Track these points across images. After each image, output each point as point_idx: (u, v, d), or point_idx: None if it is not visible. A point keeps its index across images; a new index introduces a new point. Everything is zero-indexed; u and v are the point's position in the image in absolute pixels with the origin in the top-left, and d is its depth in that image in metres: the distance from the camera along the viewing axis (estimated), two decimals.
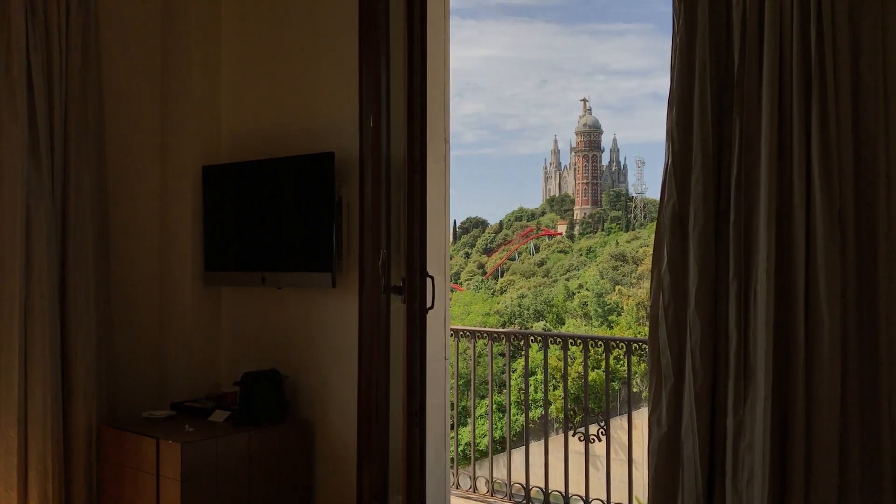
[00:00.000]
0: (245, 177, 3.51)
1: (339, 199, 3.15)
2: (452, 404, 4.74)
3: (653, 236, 2.28)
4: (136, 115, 3.67)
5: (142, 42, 3.70)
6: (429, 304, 2.47)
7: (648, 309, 2.42)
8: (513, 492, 4.05)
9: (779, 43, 2.03)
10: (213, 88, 3.72)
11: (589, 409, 4.33)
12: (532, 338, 4.44)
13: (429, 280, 2.47)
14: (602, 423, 4.08)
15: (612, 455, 4.02)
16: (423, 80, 2.54)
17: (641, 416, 3.20)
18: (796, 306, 2.06)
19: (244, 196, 3.51)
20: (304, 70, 3.42)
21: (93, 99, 3.27)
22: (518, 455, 4.69)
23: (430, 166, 3.18)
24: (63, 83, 3.18)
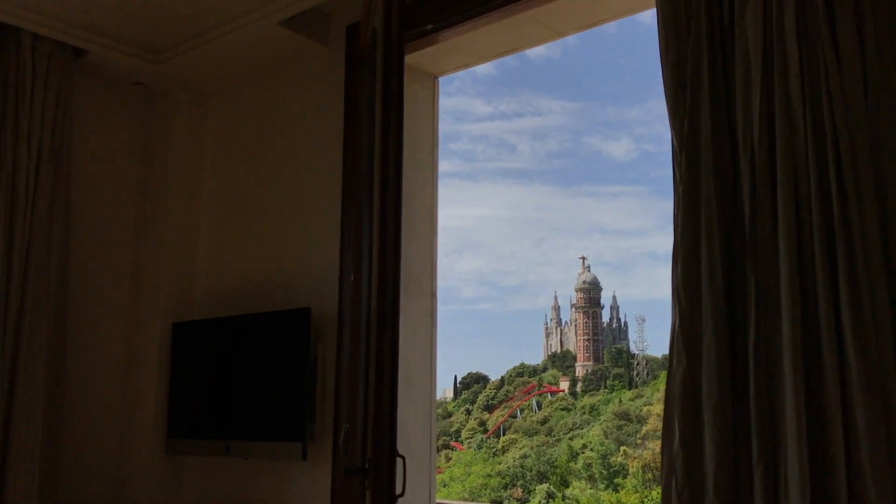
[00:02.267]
0: (216, 334, 3.25)
1: (315, 358, 2.88)
2: None
3: (656, 394, 2.00)
4: (105, 266, 3.48)
5: (117, 193, 3.57)
6: (398, 489, 2.09)
7: (661, 489, 2.08)
8: None
9: (794, 190, 1.81)
10: (190, 240, 3.55)
11: None
12: None
13: (399, 461, 2.11)
14: None
15: None
16: (397, 233, 2.34)
17: None
18: (838, 497, 1.73)
19: (214, 355, 3.24)
20: (284, 224, 3.25)
21: (57, 246, 3.07)
22: None
23: (417, 321, 2.95)
24: (27, 226, 2.99)
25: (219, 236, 3.52)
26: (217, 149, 3.64)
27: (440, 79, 3.31)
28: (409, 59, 3.09)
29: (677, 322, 1.98)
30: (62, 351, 3.09)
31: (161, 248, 3.50)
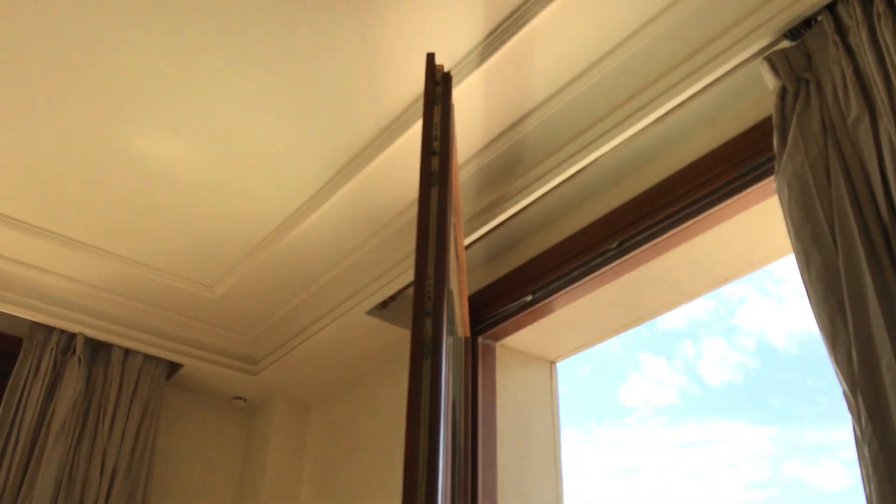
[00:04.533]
0: None
1: None
2: None
3: None
4: None
5: None
6: None
7: None
8: None
9: None
10: None
11: None
12: None
13: None
14: None
15: None
16: None
17: None
18: None
19: None
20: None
21: None
22: None
23: None
24: None
25: None
26: (314, 459, 3.23)
27: (558, 364, 2.83)
28: (517, 342, 2.69)
29: None
30: None
31: None
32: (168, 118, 2.14)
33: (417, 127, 2.10)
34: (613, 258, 2.24)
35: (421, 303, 1.38)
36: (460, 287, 2.26)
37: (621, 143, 2.05)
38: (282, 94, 2.07)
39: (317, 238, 2.55)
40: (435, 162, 1.54)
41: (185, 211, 2.49)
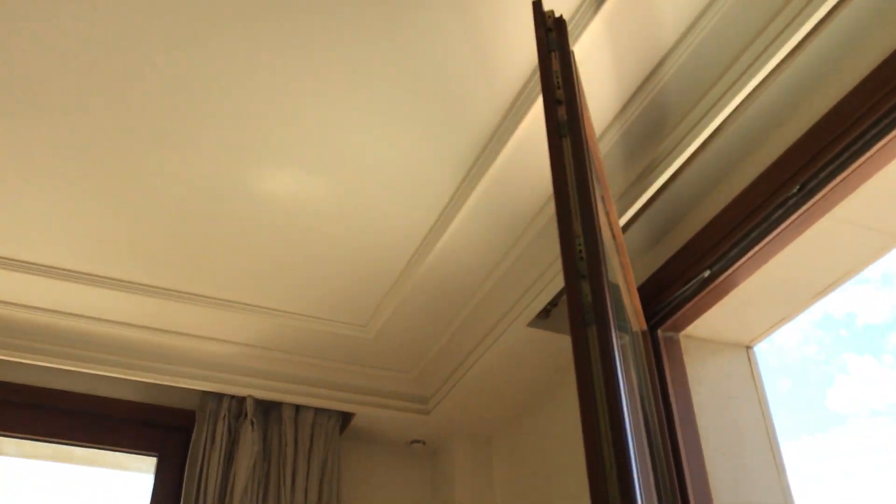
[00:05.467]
0: None
1: None
2: None
3: None
4: None
5: None
6: None
7: None
8: None
9: None
10: None
11: None
12: None
13: None
14: None
15: None
16: None
17: None
18: None
19: None
20: None
21: None
22: None
23: None
24: None
25: None
26: (505, 491, 3.01)
27: (755, 347, 2.48)
28: (703, 330, 2.38)
29: None
30: None
31: None
32: (286, 152, 2.07)
33: (540, 104, 1.90)
34: (796, 206, 1.91)
35: (573, 266, 1.16)
36: (625, 273, 2.01)
37: (778, 67, 1.76)
38: (394, 101, 1.94)
39: (460, 252, 2.39)
40: (561, 111, 1.34)
41: (323, 248, 2.41)
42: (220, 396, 2.81)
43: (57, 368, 2.78)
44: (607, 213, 1.84)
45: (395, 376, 3.00)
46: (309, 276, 2.52)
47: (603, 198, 1.79)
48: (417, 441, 3.20)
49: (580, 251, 1.17)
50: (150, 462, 2.90)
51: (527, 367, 2.74)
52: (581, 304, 1.12)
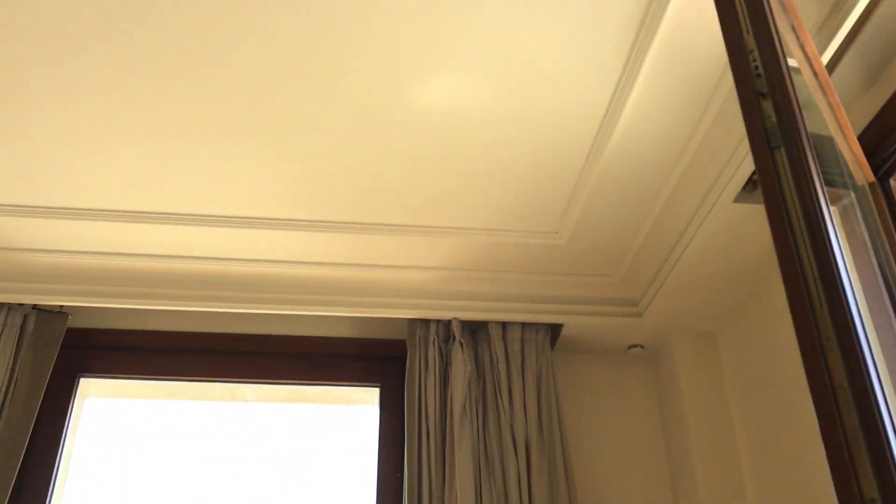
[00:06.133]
0: None
1: None
2: None
3: None
4: None
5: (632, 470, 2.90)
6: None
7: None
8: None
9: None
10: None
11: None
12: None
13: None
14: None
15: None
16: None
17: None
18: None
19: None
20: None
21: None
22: None
23: None
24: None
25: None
26: (735, 388, 2.80)
27: None
28: None
29: None
30: None
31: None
32: (441, 57, 1.98)
33: None
34: None
35: (749, 86, 0.97)
36: (836, 115, 1.73)
37: None
38: None
39: (642, 133, 2.18)
40: None
41: (498, 156, 2.31)
42: (426, 322, 2.84)
43: (278, 314, 2.95)
44: (801, 46, 1.57)
45: (598, 281, 2.87)
46: (488, 189, 2.44)
47: (793, 26, 1.53)
48: (635, 346, 3.06)
49: (755, 66, 0.98)
50: (373, 393, 3.01)
51: (741, 248, 2.49)
52: (763, 127, 0.93)
